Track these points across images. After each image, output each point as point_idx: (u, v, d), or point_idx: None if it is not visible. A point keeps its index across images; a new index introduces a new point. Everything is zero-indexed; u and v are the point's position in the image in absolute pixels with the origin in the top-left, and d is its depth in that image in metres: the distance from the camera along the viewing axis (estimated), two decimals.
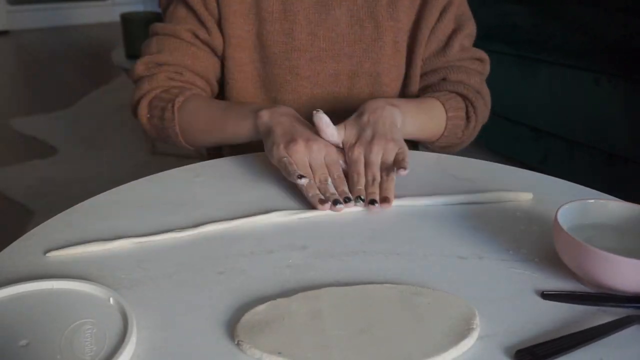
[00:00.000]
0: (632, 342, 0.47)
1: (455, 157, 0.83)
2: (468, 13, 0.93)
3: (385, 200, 0.65)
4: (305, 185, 0.65)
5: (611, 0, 1.87)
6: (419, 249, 0.59)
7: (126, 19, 2.44)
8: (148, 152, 2.63)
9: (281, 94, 0.87)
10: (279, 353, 0.43)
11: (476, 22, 0.94)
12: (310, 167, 0.69)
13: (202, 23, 0.86)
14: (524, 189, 0.71)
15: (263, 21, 0.86)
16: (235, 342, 0.44)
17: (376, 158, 0.70)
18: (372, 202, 0.65)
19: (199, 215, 0.63)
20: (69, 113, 3.08)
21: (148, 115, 0.85)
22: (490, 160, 0.82)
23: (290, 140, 0.69)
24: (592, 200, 0.59)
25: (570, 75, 2.03)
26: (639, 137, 1.84)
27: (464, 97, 0.87)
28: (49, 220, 0.61)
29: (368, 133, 0.72)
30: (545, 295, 0.51)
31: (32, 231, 0.59)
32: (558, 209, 0.56)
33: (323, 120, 0.70)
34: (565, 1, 2.01)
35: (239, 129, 0.77)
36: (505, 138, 2.32)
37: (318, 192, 0.66)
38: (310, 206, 0.65)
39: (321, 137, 0.71)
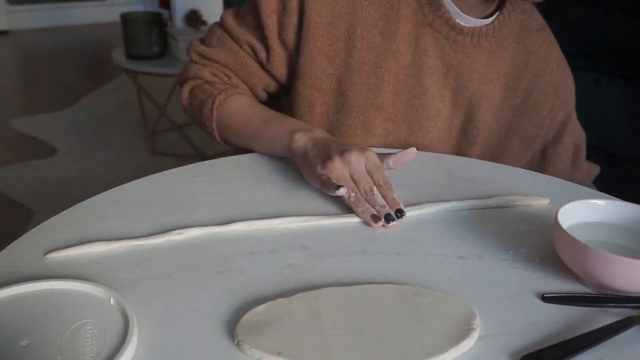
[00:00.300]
0: (632, 342, 0.47)
1: (458, 157, 0.83)
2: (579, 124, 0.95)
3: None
4: (343, 195, 0.64)
5: (611, 0, 1.87)
6: (419, 249, 0.59)
7: (126, 19, 2.44)
8: (148, 152, 2.63)
9: None
10: (279, 353, 0.43)
11: None
12: (353, 179, 0.66)
13: (267, 49, 0.83)
14: (525, 189, 0.71)
15: (350, 70, 0.81)
16: (235, 342, 0.44)
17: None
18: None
19: (199, 215, 0.63)
20: (69, 113, 3.08)
21: (189, 101, 0.87)
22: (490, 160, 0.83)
23: (326, 159, 0.67)
24: (592, 200, 0.59)
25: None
26: (639, 137, 1.84)
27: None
28: (49, 220, 0.61)
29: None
30: (546, 298, 0.51)
31: (32, 231, 0.59)
32: (558, 209, 0.56)
33: (410, 157, 0.70)
34: (565, 1, 2.01)
35: (274, 146, 0.77)
36: None
37: (367, 205, 0.63)
38: (311, 212, 0.65)
39: (355, 145, 0.70)
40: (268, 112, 0.82)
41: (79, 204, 0.64)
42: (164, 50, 2.46)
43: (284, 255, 0.57)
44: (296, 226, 0.62)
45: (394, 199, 0.64)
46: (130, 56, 2.43)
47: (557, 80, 0.88)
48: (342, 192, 0.63)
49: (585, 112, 2.13)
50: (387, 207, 0.63)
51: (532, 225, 0.64)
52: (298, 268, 0.55)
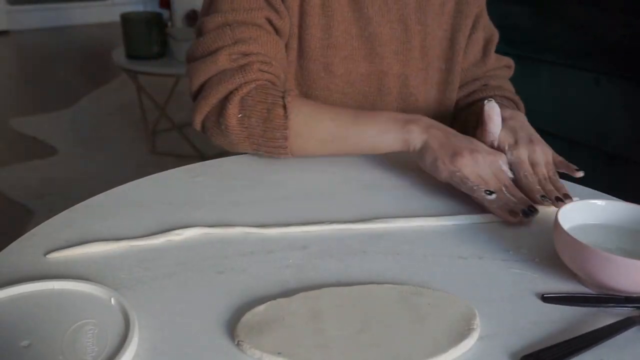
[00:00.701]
0: (632, 342, 0.47)
1: None
2: (489, 20, 0.98)
3: (566, 197, 0.66)
4: (491, 199, 0.65)
5: (611, 0, 1.87)
6: (419, 249, 0.59)
7: (126, 19, 2.44)
8: (148, 152, 2.63)
9: (313, 90, 0.85)
10: (279, 353, 0.43)
11: None
12: (482, 178, 0.67)
13: (272, 5, 0.80)
14: None
15: (304, 14, 0.82)
16: (235, 343, 0.44)
17: (540, 158, 0.71)
18: (558, 199, 0.65)
19: (199, 215, 0.63)
20: (69, 113, 3.08)
21: (240, 115, 0.72)
22: None
23: (454, 154, 0.67)
24: (592, 200, 0.59)
25: (570, 75, 2.03)
26: (639, 137, 1.84)
27: (513, 101, 0.93)
28: (49, 220, 0.61)
29: (523, 135, 0.73)
30: (546, 299, 0.51)
31: (32, 231, 0.59)
32: (558, 209, 0.56)
33: (495, 109, 0.71)
34: (565, 1, 2.01)
35: (381, 142, 0.72)
36: None
37: (502, 203, 0.65)
38: (311, 213, 0.65)
39: (485, 132, 0.72)
40: (351, 110, 0.76)
41: (79, 204, 0.64)
42: (164, 50, 2.46)
43: (284, 255, 0.57)
44: (296, 225, 0.62)
45: (523, 197, 0.66)
46: (130, 56, 2.43)
47: None
48: (493, 197, 0.64)
49: (585, 112, 2.13)
50: (521, 204, 0.65)
51: (532, 225, 0.64)
52: (298, 268, 0.55)
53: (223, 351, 0.44)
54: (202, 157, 2.47)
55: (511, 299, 0.51)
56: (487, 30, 0.96)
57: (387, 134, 0.71)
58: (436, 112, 0.92)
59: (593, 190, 0.72)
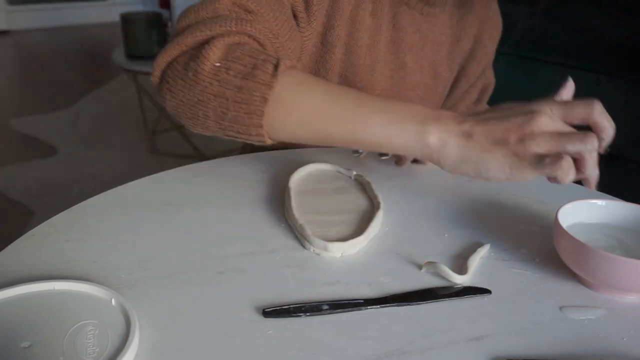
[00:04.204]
0: (633, 343, 0.47)
1: None
2: (491, 70, 0.99)
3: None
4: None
5: (611, 0, 1.87)
6: (419, 249, 0.59)
7: (126, 19, 2.44)
8: (148, 152, 2.63)
9: None
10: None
11: None
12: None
13: (309, 11, 0.72)
14: (525, 189, 0.71)
15: (350, 52, 0.80)
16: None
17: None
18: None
19: (199, 215, 0.63)
20: (69, 113, 3.08)
21: (218, 64, 0.56)
22: None
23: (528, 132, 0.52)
24: (592, 200, 0.59)
25: (571, 75, 2.02)
26: (639, 137, 1.84)
27: None
28: (49, 220, 0.61)
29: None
30: (266, 313, 0.51)
31: (32, 231, 0.59)
32: (558, 209, 0.56)
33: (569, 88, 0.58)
34: (566, 1, 2.01)
35: (396, 137, 0.55)
36: None
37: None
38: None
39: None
40: (355, 91, 0.59)
41: (78, 204, 0.64)
42: None
43: (284, 255, 0.57)
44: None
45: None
46: (130, 56, 2.43)
47: (496, 24, 0.94)
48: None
49: None
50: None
51: (532, 225, 0.64)
52: (298, 268, 0.55)
53: (224, 351, 0.44)
54: (202, 157, 2.47)
55: (511, 299, 0.51)
56: (488, 78, 0.98)
57: (402, 131, 0.54)
58: None
59: (593, 190, 0.72)
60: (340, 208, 0.63)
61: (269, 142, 0.58)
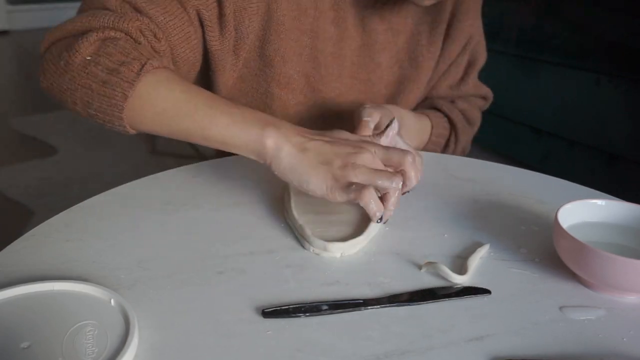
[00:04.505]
0: (633, 343, 0.47)
1: (456, 157, 0.84)
2: (483, 42, 0.96)
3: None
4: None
5: (611, 0, 1.87)
6: (419, 249, 0.59)
7: None
8: (148, 152, 2.63)
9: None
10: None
11: None
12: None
13: (221, 26, 0.71)
14: (524, 189, 0.71)
15: (317, 64, 0.80)
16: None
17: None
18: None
19: (199, 215, 0.63)
20: (69, 113, 3.05)
21: (89, 58, 0.60)
22: (491, 160, 0.83)
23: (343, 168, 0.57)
24: (592, 200, 0.59)
25: (571, 75, 2.03)
26: (639, 137, 1.84)
27: (453, 127, 0.92)
28: (49, 220, 0.61)
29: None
30: (266, 314, 0.51)
31: (32, 231, 0.58)
32: (558, 209, 0.56)
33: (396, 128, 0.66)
34: (565, 1, 2.01)
35: (231, 137, 0.58)
36: (506, 138, 2.32)
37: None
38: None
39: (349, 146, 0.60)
40: (212, 95, 0.62)
41: (78, 204, 0.64)
42: None
43: (283, 255, 0.57)
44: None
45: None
46: None
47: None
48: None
49: (585, 112, 2.14)
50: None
51: (532, 225, 0.64)
52: (298, 268, 0.55)
53: (223, 351, 0.44)
54: (202, 157, 2.47)
55: (511, 299, 0.51)
56: (474, 54, 0.94)
57: (242, 132, 0.58)
58: None
59: (593, 190, 0.72)
60: (340, 208, 0.64)
61: (132, 132, 0.64)
